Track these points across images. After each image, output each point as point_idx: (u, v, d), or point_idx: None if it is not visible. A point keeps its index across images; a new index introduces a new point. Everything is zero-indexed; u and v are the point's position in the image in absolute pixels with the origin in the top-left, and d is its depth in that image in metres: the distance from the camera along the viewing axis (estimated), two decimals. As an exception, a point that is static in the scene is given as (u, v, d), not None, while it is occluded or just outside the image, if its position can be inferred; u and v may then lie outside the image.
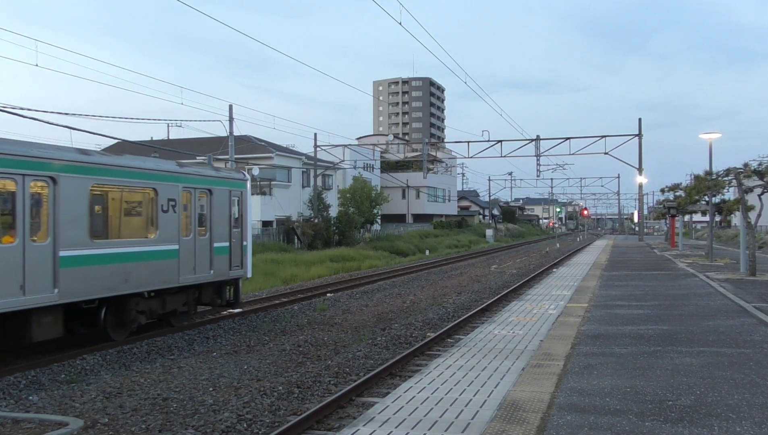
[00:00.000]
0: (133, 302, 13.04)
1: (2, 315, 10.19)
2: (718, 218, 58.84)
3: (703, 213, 40.14)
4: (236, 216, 16.03)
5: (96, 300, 12.17)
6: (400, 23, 24.11)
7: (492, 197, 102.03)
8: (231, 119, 33.93)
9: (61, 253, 11.02)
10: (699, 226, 78.34)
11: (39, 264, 10.64)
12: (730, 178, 26.72)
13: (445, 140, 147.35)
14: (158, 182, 13.43)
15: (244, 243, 16.35)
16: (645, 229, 76.10)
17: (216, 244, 15.12)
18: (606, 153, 43.69)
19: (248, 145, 42.89)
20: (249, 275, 16.91)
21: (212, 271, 14.98)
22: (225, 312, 16.65)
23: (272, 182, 46.63)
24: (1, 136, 11.11)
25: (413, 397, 6.98)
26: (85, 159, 11.82)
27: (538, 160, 44.81)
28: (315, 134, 47.06)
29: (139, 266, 12.83)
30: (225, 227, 15.50)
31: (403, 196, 73.38)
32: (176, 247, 13.84)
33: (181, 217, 14.01)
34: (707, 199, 31.60)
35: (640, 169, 47.98)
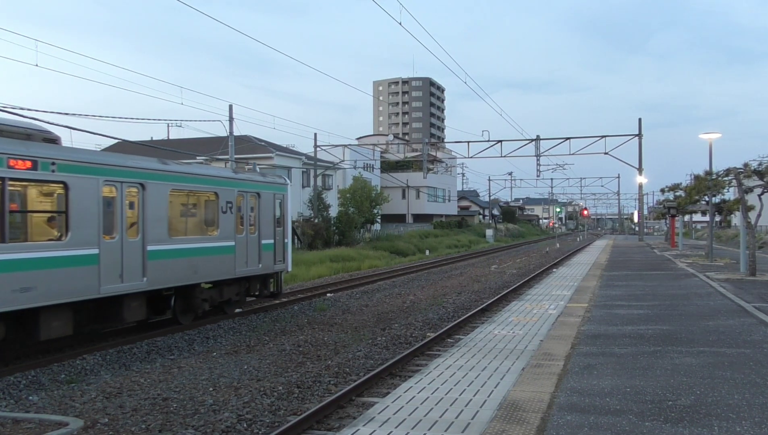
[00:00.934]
0: (198, 291, 14.93)
1: (105, 299, 12.07)
2: (718, 218, 58.89)
3: (703, 213, 40.16)
4: (278, 216, 17.87)
5: (172, 288, 14.18)
6: (400, 23, 24.14)
7: (492, 197, 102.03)
8: (231, 119, 33.93)
9: (149, 248, 13.00)
10: (699, 226, 78.32)
11: (133, 257, 12.62)
12: (730, 178, 26.72)
13: (445, 140, 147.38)
14: (219, 187, 15.38)
15: (286, 240, 18.26)
16: (645, 229, 76.09)
17: (263, 241, 16.96)
18: (606, 153, 43.68)
19: (248, 145, 42.87)
20: (290, 269, 19.13)
21: (260, 265, 16.84)
22: (268, 302, 18.43)
23: (272, 182, 46.54)
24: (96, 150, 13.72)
25: (413, 397, 6.98)
26: (165, 168, 13.78)
27: (538, 160, 44.81)
28: (315, 134, 47.08)
29: (204, 260, 14.79)
30: (270, 226, 17.38)
31: (403, 196, 73.39)
32: (233, 243, 15.71)
33: (237, 217, 15.84)
34: (707, 199, 31.61)
35: (640, 169, 47.98)
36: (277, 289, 18.30)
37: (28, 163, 10.51)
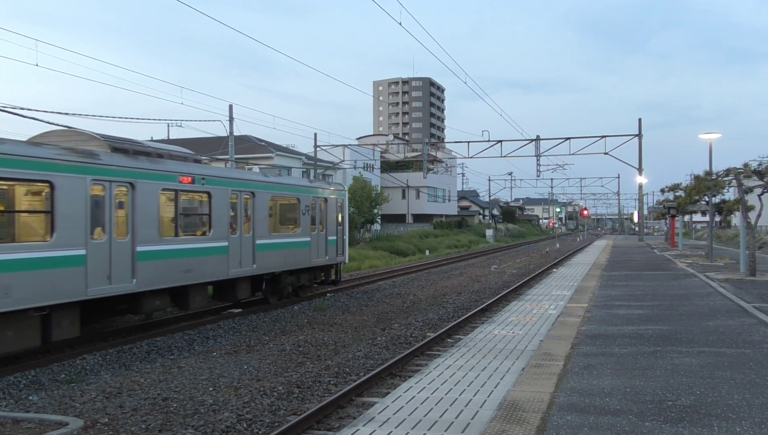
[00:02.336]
0: (284, 277, 18.56)
1: (230, 280, 15.98)
2: (718, 218, 58.87)
3: (703, 213, 40.15)
4: (339, 217, 21.75)
5: (271, 274, 17.72)
6: (400, 23, 24.15)
7: (492, 197, 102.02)
8: (231, 119, 33.92)
9: (257, 242, 16.86)
10: (699, 226, 78.30)
11: (246, 248, 16.46)
12: (730, 178, 26.70)
13: (445, 140, 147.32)
14: (300, 194, 19.39)
15: (344, 237, 22.24)
16: (645, 230, 76.08)
17: (329, 238, 20.87)
18: (606, 153, 43.66)
19: (248, 145, 42.90)
20: (347, 261, 23.51)
21: (327, 257, 20.78)
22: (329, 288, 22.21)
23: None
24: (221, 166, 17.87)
25: (413, 397, 6.97)
26: (266, 179, 17.94)
27: (538, 160, 44.79)
28: (315, 134, 47.07)
29: (290, 252, 18.58)
30: (334, 225, 21.27)
31: (403, 196, 73.35)
32: (309, 239, 19.58)
33: (311, 218, 19.72)
34: (707, 199, 31.58)
35: (640, 170, 47.97)
36: (337, 277, 22.32)
37: (189, 179, 14.58)
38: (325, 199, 20.74)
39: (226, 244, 15.65)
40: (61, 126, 16.52)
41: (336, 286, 22.36)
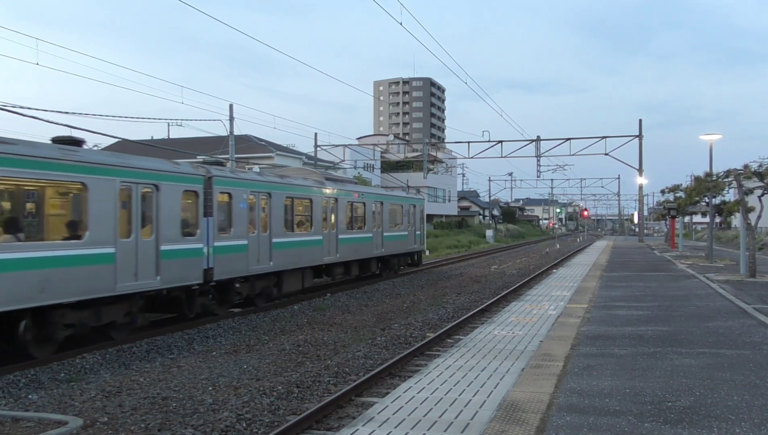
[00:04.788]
0: (393, 259, 27.49)
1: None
2: (718, 219, 58.82)
3: (703, 214, 40.06)
4: (419, 216, 30.80)
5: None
6: (401, 23, 24.06)
7: (492, 198, 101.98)
8: (231, 119, 33.92)
9: (385, 234, 25.74)
10: (699, 227, 78.28)
11: (378, 239, 25.14)
12: (730, 179, 26.67)
13: (446, 140, 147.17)
14: (403, 202, 29.13)
15: (424, 233, 32.05)
16: (645, 230, 76.05)
17: (417, 232, 30.11)
18: (606, 154, 43.71)
19: (249, 144, 42.88)
20: (425, 249, 34.41)
21: (416, 245, 30.07)
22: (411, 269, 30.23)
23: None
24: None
25: (413, 397, 6.97)
26: (388, 193, 28.91)
27: (538, 160, 44.84)
28: (315, 134, 47.11)
29: (397, 242, 27.50)
30: (420, 224, 30.72)
31: (404, 196, 73.19)
32: (407, 233, 28.78)
33: (409, 217, 29.17)
34: (707, 200, 31.58)
35: (640, 170, 47.98)
36: (419, 261, 31.21)
37: (357, 195, 23.90)
38: (414, 205, 30.06)
39: (370, 235, 24.55)
40: (61, 125, 16.58)
41: (418, 267, 31.09)
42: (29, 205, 11.74)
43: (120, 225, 12.39)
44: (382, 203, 25.65)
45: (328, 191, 21.37)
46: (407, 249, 28.77)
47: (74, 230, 11.91)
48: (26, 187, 11.34)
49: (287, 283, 18.84)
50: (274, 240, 17.81)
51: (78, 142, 12.73)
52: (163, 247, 13.43)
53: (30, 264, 10.54)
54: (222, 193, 15.62)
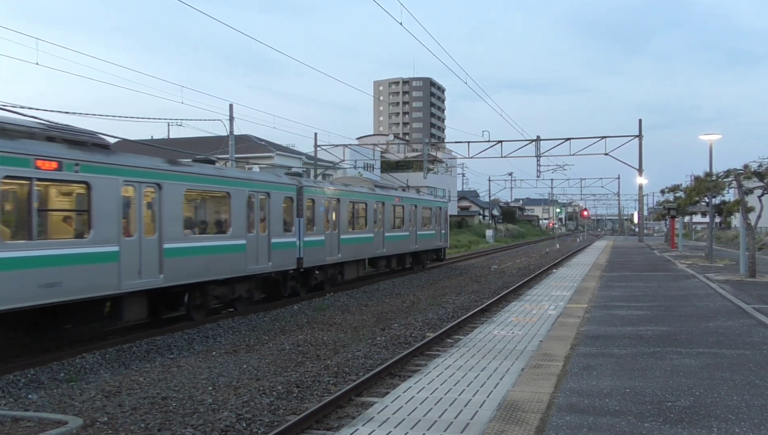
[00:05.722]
0: (422, 254, 31.65)
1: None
2: (718, 219, 58.80)
3: (703, 214, 40.05)
4: (444, 217, 34.99)
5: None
6: (401, 23, 23.99)
7: (492, 197, 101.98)
8: (231, 118, 33.91)
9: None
10: (699, 227, 78.26)
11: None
12: (730, 179, 26.68)
13: (446, 140, 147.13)
14: (434, 205, 33.68)
15: (447, 231, 36.18)
16: (645, 230, 76.05)
17: (442, 231, 34.28)
18: (606, 154, 43.67)
19: (248, 144, 42.84)
20: (448, 246, 37.48)
21: (440, 242, 34.16)
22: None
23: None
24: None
25: (412, 397, 6.98)
26: (422, 197, 34.03)
27: (538, 160, 44.78)
28: (315, 134, 47.07)
29: (428, 240, 31.84)
30: (442, 223, 34.62)
31: (403, 196, 73.20)
32: (434, 232, 33.04)
33: (434, 218, 33.18)
34: (707, 200, 31.58)
35: (640, 170, 47.96)
36: (443, 256, 35.45)
37: (398, 199, 27.78)
38: (440, 208, 34.60)
39: (407, 233, 28.86)
40: (61, 125, 16.62)
41: (441, 262, 34.82)
42: (200, 209, 16.16)
43: (247, 223, 16.41)
44: (415, 206, 30.07)
45: (377, 197, 25.97)
46: (434, 246, 33.13)
47: (220, 227, 16.04)
48: (201, 196, 15.81)
49: (348, 271, 23.39)
50: (342, 236, 22.32)
51: (212, 162, 16.88)
52: (273, 240, 17.63)
53: (202, 251, 14.80)
54: (309, 199, 19.95)
